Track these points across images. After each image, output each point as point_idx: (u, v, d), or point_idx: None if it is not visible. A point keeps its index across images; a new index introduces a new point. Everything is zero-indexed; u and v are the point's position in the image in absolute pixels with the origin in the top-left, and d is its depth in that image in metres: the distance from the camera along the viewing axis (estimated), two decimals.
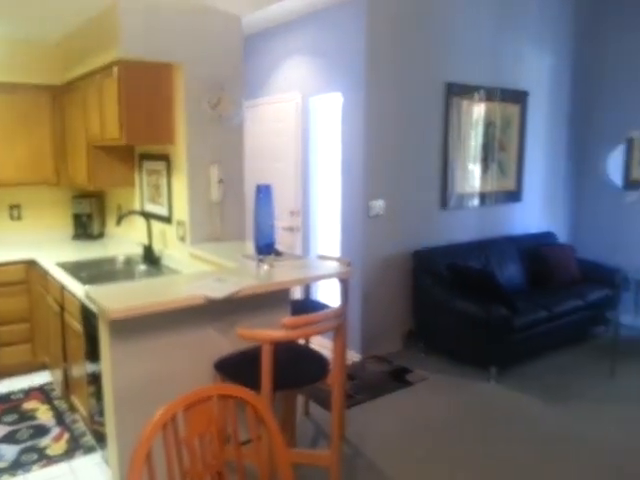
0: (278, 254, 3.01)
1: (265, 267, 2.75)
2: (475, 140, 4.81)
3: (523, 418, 3.39)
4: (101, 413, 2.62)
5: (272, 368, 2.05)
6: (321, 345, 4.30)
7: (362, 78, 4.02)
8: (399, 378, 3.95)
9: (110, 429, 2.36)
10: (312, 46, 4.49)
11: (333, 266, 3.00)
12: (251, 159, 5.25)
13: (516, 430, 3.24)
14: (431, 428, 3.26)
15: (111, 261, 3.72)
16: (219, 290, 2.30)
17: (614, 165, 5.59)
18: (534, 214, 5.55)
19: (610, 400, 3.65)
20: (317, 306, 3.13)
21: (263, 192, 2.81)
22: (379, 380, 3.91)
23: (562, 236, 5.79)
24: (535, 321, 4.13)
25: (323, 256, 3.49)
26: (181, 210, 3.46)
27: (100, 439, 2.77)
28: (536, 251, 5.00)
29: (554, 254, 4.96)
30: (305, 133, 4.69)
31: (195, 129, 3.33)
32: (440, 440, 3.13)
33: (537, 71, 5.28)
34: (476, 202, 4.92)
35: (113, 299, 2.18)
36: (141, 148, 3.85)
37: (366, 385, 3.82)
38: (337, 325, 2.30)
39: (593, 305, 4.66)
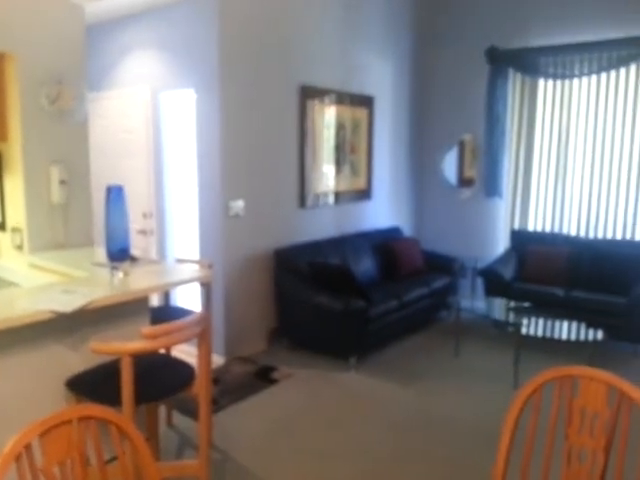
0: (134, 260, 2.84)
1: (119, 275, 2.58)
2: (328, 142, 4.99)
3: (381, 402, 3.61)
4: None
5: (133, 382, 1.93)
6: (182, 352, 4.15)
7: (215, 76, 3.96)
8: (264, 377, 3.96)
9: None
10: (161, 40, 4.31)
11: (193, 269, 2.92)
12: (99, 157, 4.89)
13: (375, 414, 3.44)
14: (297, 423, 3.32)
15: None
16: (67, 303, 2.10)
17: (449, 165, 6.17)
18: (383, 211, 5.92)
19: (456, 376, 4.03)
20: (178, 312, 3.02)
21: (114, 193, 2.63)
22: (244, 381, 3.89)
23: (407, 230, 6.26)
24: (388, 310, 4.42)
25: (182, 259, 3.37)
26: (16, 215, 3.10)
27: None
28: (386, 245, 5.34)
29: (401, 247, 5.35)
30: (157, 130, 4.49)
31: (32, 125, 3.01)
32: (306, 433, 3.20)
33: (381, 78, 5.63)
34: (331, 201, 5.11)
35: None
36: None
37: (231, 388, 3.78)
38: (201, 331, 2.23)
39: (437, 292, 5.11)
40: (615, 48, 4.93)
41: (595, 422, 1.42)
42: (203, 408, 2.30)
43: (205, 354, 2.36)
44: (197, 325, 2.21)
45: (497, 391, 3.80)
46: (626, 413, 1.39)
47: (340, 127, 5.10)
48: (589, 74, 5.14)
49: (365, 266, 5.06)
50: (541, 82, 5.47)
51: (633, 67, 4.94)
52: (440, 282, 5.20)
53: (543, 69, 5.38)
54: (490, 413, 3.47)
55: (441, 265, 5.49)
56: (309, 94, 4.68)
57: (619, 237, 5.19)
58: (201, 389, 2.30)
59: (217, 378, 3.91)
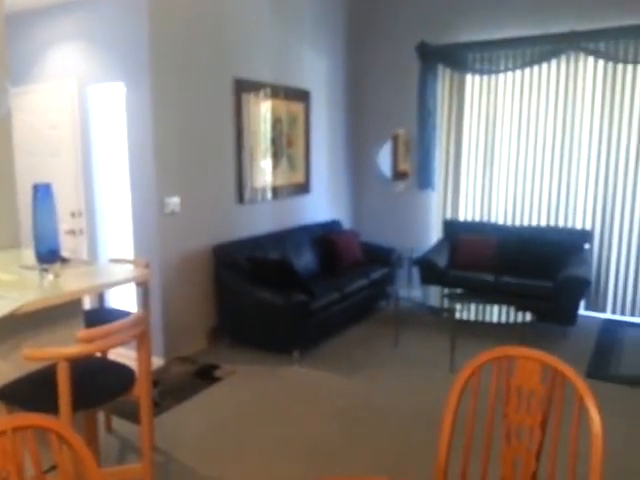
0: (64, 261, 2.71)
1: (50, 277, 2.46)
2: (265, 136, 4.95)
3: (324, 393, 3.64)
4: None
5: (70, 388, 1.85)
6: (119, 355, 4.02)
7: (146, 69, 3.83)
8: (206, 376, 3.90)
9: None
10: (89, 32, 4.12)
11: (129, 269, 2.82)
12: (23, 155, 4.63)
13: (319, 406, 3.47)
14: (241, 419, 3.30)
15: None
16: None
17: (384, 159, 6.29)
18: (322, 204, 5.96)
19: (396, 364, 4.13)
20: (114, 314, 2.91)
21: (42, 192, 2.50)
22: (185, 381, 3.82)
23: (346, 223, 6.33)
24: (330, 303, 4.46)
25: (116, 259, 3.26)
26: None
27: None
28: (326, 238, 5.38)
29: (341, 240, 5.41)
30: (85, 125, 4.30)
31: None
32: (250, 429, 3.18)
33: (317, 73, 5.65)
34: (270, 195, 5.08)
35: None
36: None
37: (172, 389, 3.70)
38: (139, 333, 2.17)
39: (376, 283, 5.21)
40: (537, 44, 5.19)
41: (531, 400, 1.50)
42: (144, 410, 2.24)
43: (145, 356, 2.30)
44: (135, 326, 2.15)
45: (435, 376, 3.93)
46: (560, 389, 1.47)
47: (277, 121, 5.08)
48: (513, 69, 5.38)
49: (306, 260, 5.08)
50: (469, 77, 5.67)
51: (554, 62, 5.21)
52: (379, 273, 5.31)
53: (470, 65, 5.58)
54: (430, 397, 3.58)
55: (379, 256, 5.60)
56: (244, 87, 4.63)
57: (544, 224, 5.49)
58: (142, 392, 2.24)
59: (157, 379, 3.81)
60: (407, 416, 3.35)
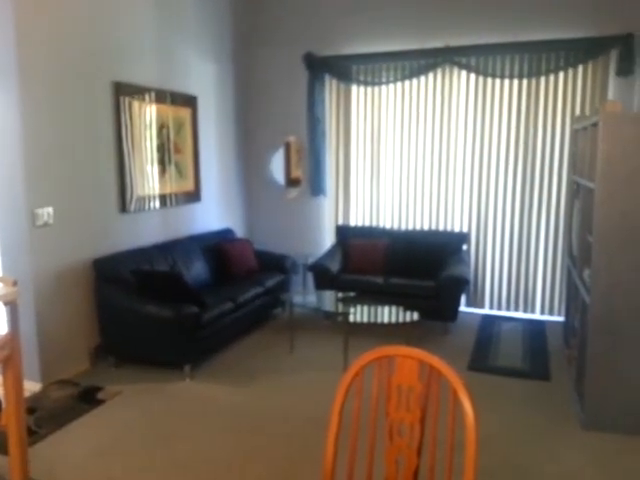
0: None
1: None
2: (150, 142, 4.76)
3: (218, 407, 3.55)
4: None
5: None
6: None
7: (13, 69, 3.52)
8: (89, 399, 3.64)
9: None
10: None
11: None
12: None
13: (212, 420, 3.37)
14: (128, 441, 3.12)
15: None
16: None
17: (277, 166, 6.31)
18: (213, 213, 5.84)
19: (291, 371, 4.13)
20: None
21: None
22: (66, 406, 3.54)
23: (240, 231, 6.26)
24: (223, 313, 4.36)
25: None
26: None
27: None
28: (218, 247, 5.28)
29: (234, 249, 5.33)
30: None
31: None
32: (139, 450, 3.02)
33: (204, 78, 5.54)
34: (157, 204, 4.88)
35: None
36: None
37: (51, 415, 3.41)
38: (5, 357, 1.98)
39: (270, 290, 5.19)
40: (415, 58, 5.48)
41: (410, 397, 1.55)
42: (13, 441, 2.04)
43: (13, 381, 2.10)
44: (0, 349, 1.96)
45: (329, 379, 3.95)
46: (435, 385, 1.54)
47: (162, 126, 4.90)
48: (395, 81, 5.63)
49: (197, 270, 4.93)
50: (354, 88, 5.85)
51: (431, 75, 5.53)
52: (273, 280, 5.29)
53: (355, 76, 5.76)
54: (324, 400, 3.60)
55: (274, 264, 5.58)
56: (125, 91, 4.41)
57: (426, 228, 5.79)
58: (9, 420, 2.04)
59: (33, 406, 3.50)
60: (302, 420, 3.36)
